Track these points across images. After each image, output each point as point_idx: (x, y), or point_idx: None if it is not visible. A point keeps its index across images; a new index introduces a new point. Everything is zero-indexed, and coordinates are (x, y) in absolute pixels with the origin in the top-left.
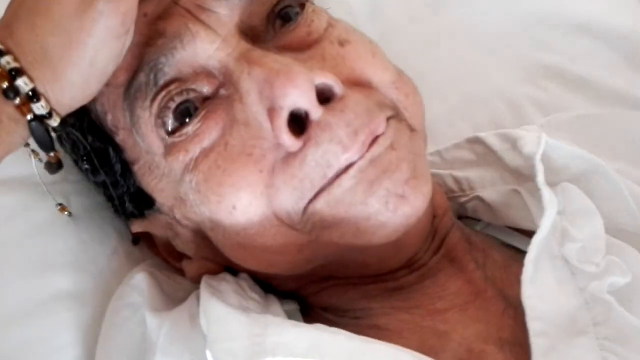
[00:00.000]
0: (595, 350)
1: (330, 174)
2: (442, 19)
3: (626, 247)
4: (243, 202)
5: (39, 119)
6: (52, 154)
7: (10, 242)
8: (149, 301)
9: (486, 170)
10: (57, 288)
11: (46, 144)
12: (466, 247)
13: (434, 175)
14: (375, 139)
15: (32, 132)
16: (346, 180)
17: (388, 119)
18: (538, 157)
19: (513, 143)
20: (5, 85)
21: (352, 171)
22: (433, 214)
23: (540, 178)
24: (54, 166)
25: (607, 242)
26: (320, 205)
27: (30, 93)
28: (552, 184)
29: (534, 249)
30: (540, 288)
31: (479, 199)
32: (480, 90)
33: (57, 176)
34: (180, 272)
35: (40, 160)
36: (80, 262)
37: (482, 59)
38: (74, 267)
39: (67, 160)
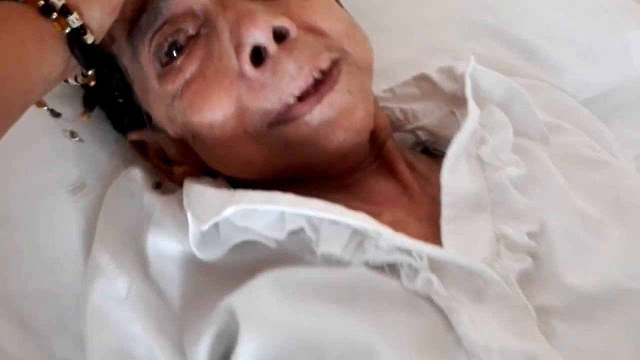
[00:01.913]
0: (490, 222)
1: (284, 98)
2: None
3: (529, 148)
4: (218, 121)
5: (75, 33)
6: (90, 72)
7: (27, 138)
8: (144, 188)
9: (429, 102)
10: (63, 176)
11: (83, 59)
12: (399, 155)
13: (385, 108)
14: (326, 80)
15: (71, 48)
16: (311, 119)
17: (336, 61)
18: (467, 75)
19: (450, 72)
20: (41, 3)
21: (316, 112)
22: (373, 131)
23: (468, 91)
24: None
25: (514, 144)
26: (287, 131)
27: (64, 8)
28: (481, 106)
29: (455, 145)
30: (456, 175)
31: (422, 127)
32: (430, 43)
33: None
34: (169, 176)
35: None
36: (83, 157)
37: (434, 17)
38: (78, 161)
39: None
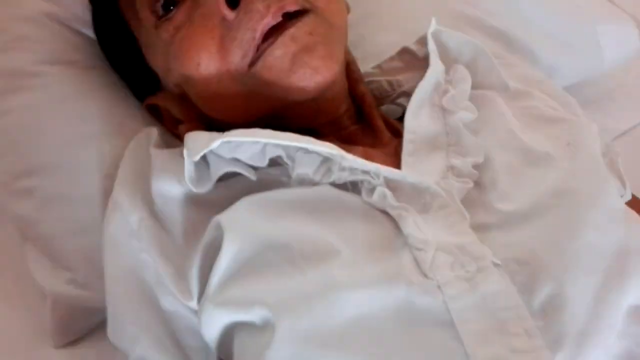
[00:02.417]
0: (445, 160)
1: (257, 35)
2: None
3: (489, 97)
4: (203, 60)
5: None
6: None
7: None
8: (153, 143)
9: (411, 72)
10: (93, 130)
11: None
12: (377, 114)
13: (374, 82)
14: (292, 21)
15: None
16: (275, 50)
17: (305, 10)
18: (429, 33)
19: (422, 39)
20: None
21: (277, 43)
22: (355, 95)
23: (430, 46)
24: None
25: (477, 95)
26: (259, 67)
27: None
28: (449, 66)
29: (417, 92)
30: (418, 118)
31: (405, 93)
32: (417, 29)
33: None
34: (179, 137)
35: None
36: (110, 118)
37: (420, 8)
38: (106, 120)
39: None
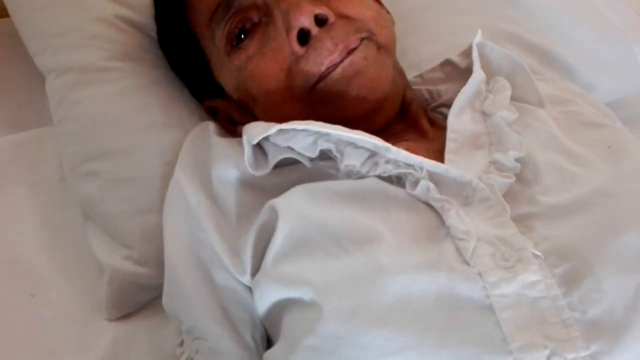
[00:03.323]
0: (487, 157)
1: (323, 68)
2: None
3: (528, 108)
4: (271, 87)
5: None
6: None
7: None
8: (213, 133)
9: (451, 84)
10: (155, 121)
11: None
12: (423, 116)
13: (415, 89)
14: (352, 51)
15: None
16: (335, 74)
17: (362, 39)
18: (474, 43)
19: (465, 51)
20: None
21: (339, 69)
22: (403, 100)
23: (474, 54)
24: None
25: (516, 106)
26: (321, 87)
27: None
28: (490, 77)
29: (459, 96)
30: (460, 120)
31: (443, 104)
32: (458, 42)
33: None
34: (232, 134)
35: None
36: (171, 112)
37: (461, 24)
38: (167, 113)
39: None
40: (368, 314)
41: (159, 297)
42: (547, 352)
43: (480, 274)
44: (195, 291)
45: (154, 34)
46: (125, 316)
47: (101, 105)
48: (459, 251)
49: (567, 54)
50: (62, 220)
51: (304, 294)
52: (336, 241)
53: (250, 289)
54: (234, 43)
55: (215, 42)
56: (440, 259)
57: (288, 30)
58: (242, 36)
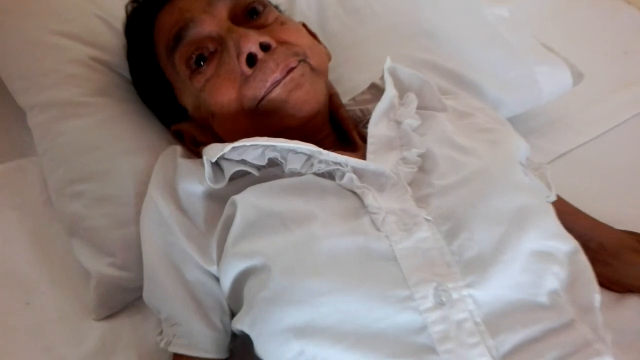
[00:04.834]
0: (398, 155)
1: (268, 84)
2: (367, 28)
3: (432, 114)
4: (225, 103)
5: None
6: None
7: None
8: (179, 156)
9: (377, 102)
10: (129, 147)
11: None
12: (354, 128)
13: (349, 110)
14: (291, 70)
15: None
16: (277, 89)
17: (300, 61)
18: (385, 68)
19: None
20: None
21: (281, 84)
22: (336, 116)
23: (386, 76)
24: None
25: (420, 113)
26: (266, 101)
27: None
28: (402, 93)
29: (376, 109)
30: (378, 127)
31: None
32: (382, 70)
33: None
34: (197, 155)
35: None
36: (142, 138)
37: (387, 52)
38: (139, 140)
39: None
40: (305, 268)
41: (140, 297)
42: (434, 284)
43: (387, 236)
44: (170, 286)
45: (124, 72)
46: (111, 315)
47: (82, 135)
48: (373, 222)
49: (476, 76)
50: (49, 237)
51: (258, 261)
52: (281, 222)
53: (217, 279)
54: (194, 68)
55: (176, 69)
56: (359, 227)
57: (239, 55)
58: (202, 62)
